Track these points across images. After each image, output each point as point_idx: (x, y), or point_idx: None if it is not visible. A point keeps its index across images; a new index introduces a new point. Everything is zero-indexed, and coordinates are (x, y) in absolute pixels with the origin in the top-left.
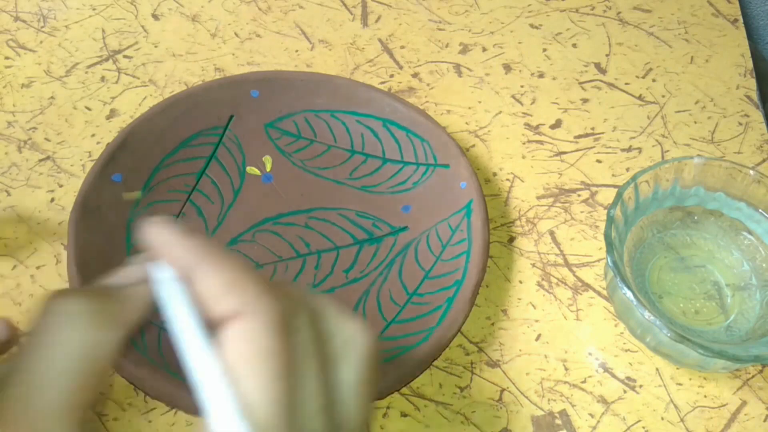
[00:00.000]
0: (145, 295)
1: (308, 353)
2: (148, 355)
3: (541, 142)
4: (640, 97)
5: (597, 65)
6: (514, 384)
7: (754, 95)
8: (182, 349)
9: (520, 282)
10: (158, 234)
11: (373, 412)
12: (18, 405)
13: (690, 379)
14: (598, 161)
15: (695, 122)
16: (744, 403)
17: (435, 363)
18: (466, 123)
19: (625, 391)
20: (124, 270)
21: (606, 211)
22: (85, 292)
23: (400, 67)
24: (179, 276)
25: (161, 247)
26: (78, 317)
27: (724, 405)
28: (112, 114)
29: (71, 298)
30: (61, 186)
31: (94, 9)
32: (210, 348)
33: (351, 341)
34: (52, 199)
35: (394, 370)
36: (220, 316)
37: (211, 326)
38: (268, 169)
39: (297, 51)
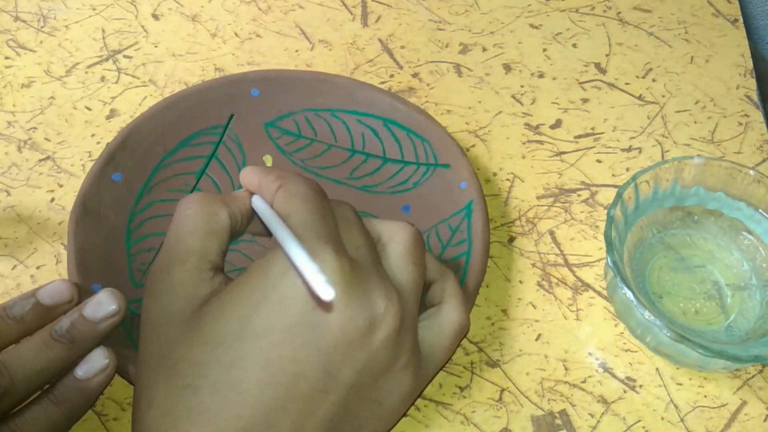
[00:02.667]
0: (245, 198)
1: (346, 217)
2: None
3: (541, 142)
4: (640, 97)
5: (597, 65)
6: (514, 384)
7: (754, 95)
8: (265, 222)
9: (520, 282)
10: (242, 175)
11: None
12: (169, 252)
13: (690, 379)
14: (598, 161)
15: (695, 122)
16: (744, 403)
17: None
18: (466, 123)
19: (625, 391)
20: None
21: (606, 211)
22: (203, 192)
23: (400, 67)
24: (254, 190)
25: (244, 181)
26: (198, 199)
27: (724, 405)
28: (112, 114)
29: (194, 193)
30: (61, 186)
31: (94, 9)
32: (273, 211)
33: (396, 230)
34: (52, 199)
35: None
36: (273, 196)
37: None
38: None
39: (297, 51)
